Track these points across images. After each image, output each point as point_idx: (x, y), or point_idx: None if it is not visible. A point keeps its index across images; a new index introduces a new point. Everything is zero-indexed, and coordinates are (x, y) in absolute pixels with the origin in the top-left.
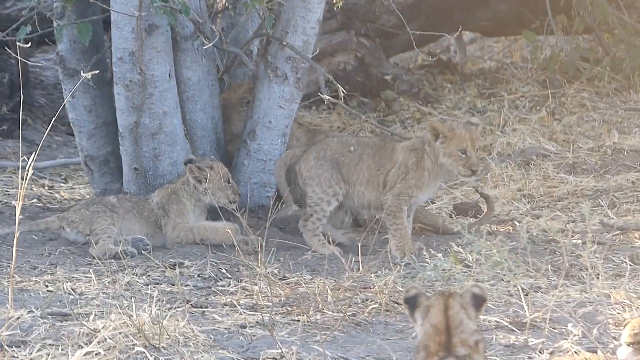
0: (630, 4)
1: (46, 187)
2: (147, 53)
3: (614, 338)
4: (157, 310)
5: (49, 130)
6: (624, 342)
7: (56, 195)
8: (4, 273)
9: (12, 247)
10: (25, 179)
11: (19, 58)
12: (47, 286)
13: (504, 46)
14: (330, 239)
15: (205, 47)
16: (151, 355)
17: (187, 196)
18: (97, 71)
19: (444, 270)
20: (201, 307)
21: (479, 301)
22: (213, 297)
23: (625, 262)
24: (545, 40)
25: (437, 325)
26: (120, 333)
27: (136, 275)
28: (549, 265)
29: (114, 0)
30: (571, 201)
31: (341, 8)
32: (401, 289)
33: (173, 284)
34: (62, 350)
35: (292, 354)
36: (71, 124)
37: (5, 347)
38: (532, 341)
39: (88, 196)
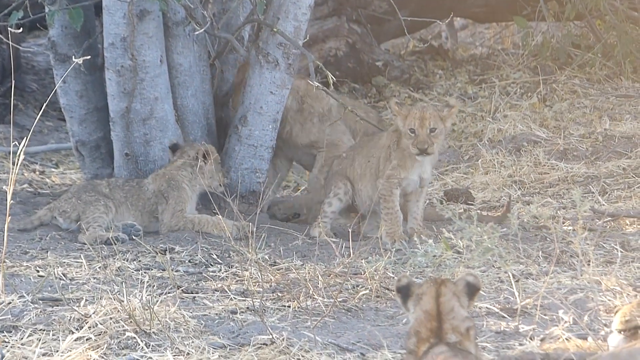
0: None
1: (37, 172)
2: (138, 39)
3: (605, 325)
4: (147, 295)
5: (40, 115)
6: (615, 329)
7: (47, 180)
8: None
9: (4, 233)
10: (17, 164)
11: (11, 43)
12: (38, 271)
13: (495, 32)
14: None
15: (196, 32)
16: (142, 341)
17: (187, 182)
18: (89, 57)
19: (434, 256)
20: (192, 293)
21: (472, 290)
22: (204, 283)
23: (616, 248)
24: (536, 26)
25: (429, 311)
26: (111, 318)
27: (127, 260)
28: (540, 252)
29: None
30: (562, 188)
31: None
32: (392, 275)
33: (164, 270)
34: (53, 335)
35: (283, 339)
36: (62, 109)
37: None
38: (522, 328)
39: (78, 181)
